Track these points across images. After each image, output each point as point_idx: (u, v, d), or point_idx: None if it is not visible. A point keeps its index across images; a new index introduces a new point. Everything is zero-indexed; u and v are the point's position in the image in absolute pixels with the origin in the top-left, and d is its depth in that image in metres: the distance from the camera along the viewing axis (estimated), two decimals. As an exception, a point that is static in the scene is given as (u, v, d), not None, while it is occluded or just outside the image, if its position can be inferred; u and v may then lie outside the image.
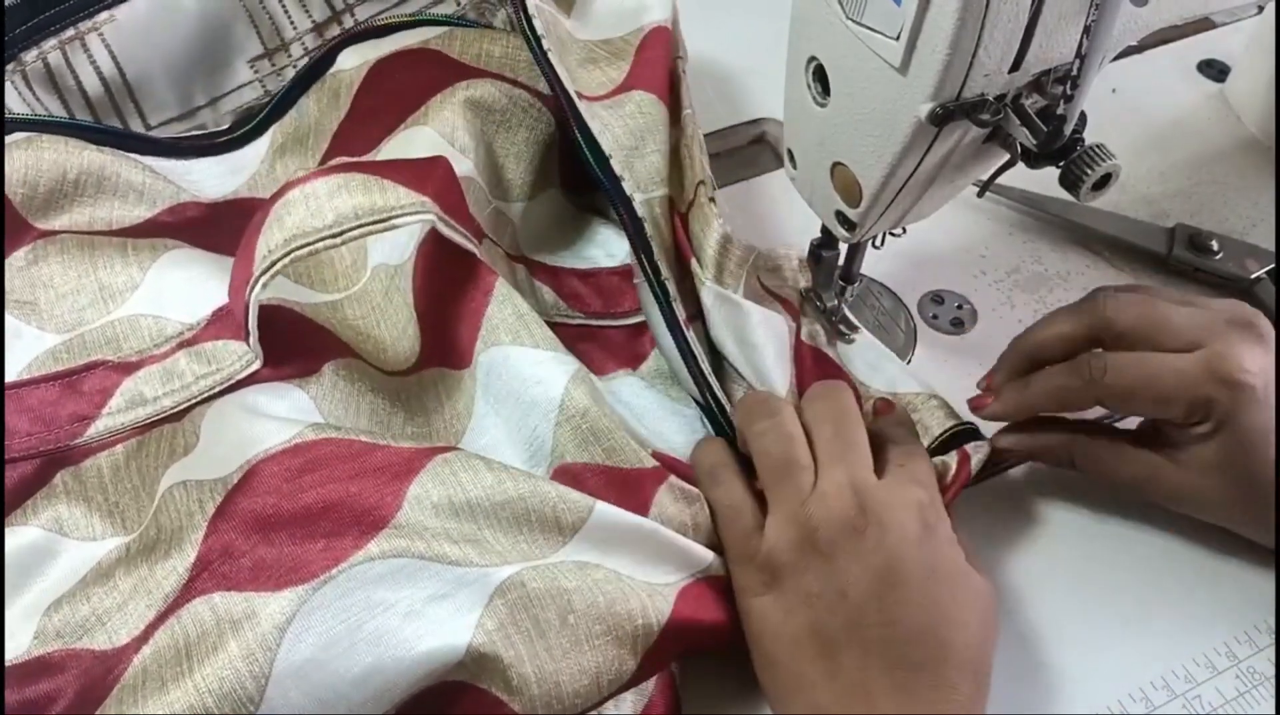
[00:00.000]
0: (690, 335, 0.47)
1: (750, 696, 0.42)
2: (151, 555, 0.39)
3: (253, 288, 0.41)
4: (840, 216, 0.45)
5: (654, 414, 0.49)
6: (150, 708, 0.33)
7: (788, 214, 0.55)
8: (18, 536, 0.41)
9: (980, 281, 0.57)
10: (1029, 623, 0.45)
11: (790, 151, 0.47)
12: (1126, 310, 0.44)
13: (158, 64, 0.55)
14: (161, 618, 0.36)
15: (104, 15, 0.54)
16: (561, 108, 0.51)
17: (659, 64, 0.54)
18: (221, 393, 0.43)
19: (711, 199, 0.51)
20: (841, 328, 0.52)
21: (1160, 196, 0.62)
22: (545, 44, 0.50)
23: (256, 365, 0.43)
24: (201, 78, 0.57)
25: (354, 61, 0.55)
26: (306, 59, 0.57)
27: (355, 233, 0.41)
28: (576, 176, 0.56)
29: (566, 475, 0.42)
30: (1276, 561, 0.45)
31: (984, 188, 0.45)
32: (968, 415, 0.48)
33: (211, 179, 0.55)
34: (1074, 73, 0.36)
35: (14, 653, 0.38)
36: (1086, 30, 0.35)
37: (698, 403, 0.48)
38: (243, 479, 0.38)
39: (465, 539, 0.37)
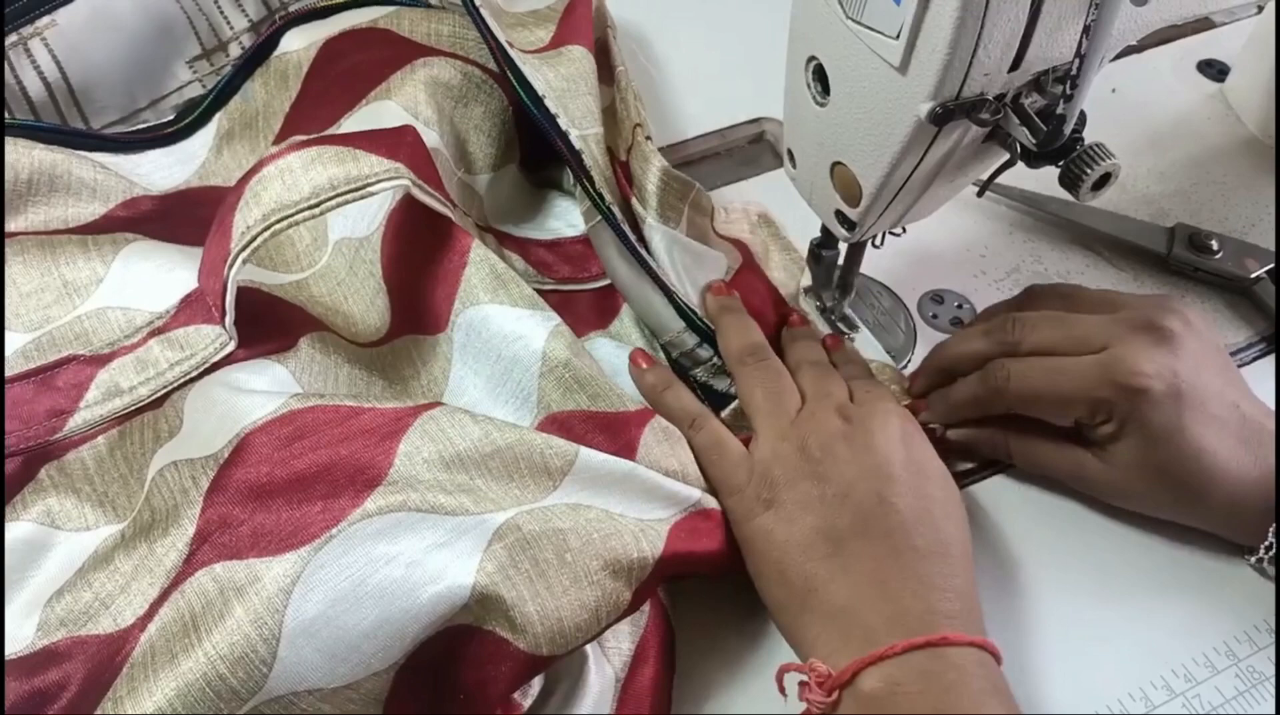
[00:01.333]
0: (644, 252, 0.49)
1: (740, 621, 0.43)
2: (150, 535, 0.40)
3: (231, 264, 0.42)
4: (840, 216, 0.45)
5: (629, 371, 0.51)
6: (163, 681, 0.34)
7: (788, 214, 0.55)
8: (10, 531, 0.41)
9: (980, 281, 0.57)
10: (1029, 622, 0.45)
11: (790, 151, 0.47)
12: (1031, 334, 0.46)
13: (99, 67, 0.56)
14: (165, 594, 0.36)
15: (45, 20, 0.55)
16: (509, 82, 0.53)
17: (584, 24, 0.57)
18: (198, 377, 0.44)
19: (648, 138, 0.54)
20: (841, 327, 0.52)
21: (1160, 196, 0.62)
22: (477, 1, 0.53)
23: (231, 347, 0.44)
24: (142, 80, 0.57)
25: (301, 43, 0.56)
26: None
27: (332, 203, 0.42)
28: (532, 156, 0.58)
29: (554, 424, 0.43)
30: (1276, 561, 0.45)
31: (984, 187, 0.45)
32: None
33: (161, 171, 0.56)
34: (1074, 72, 0.36)
35: (18, 646, 0.38)
36: (1086, 30, 0.35)
37: (663, 348, 0.50)
38: (234, 452, 0.39)
39: (459, 489, 0.38)
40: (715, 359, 0.49)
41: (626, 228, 0.50)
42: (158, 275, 0.47)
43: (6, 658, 0.38)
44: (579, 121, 0.52)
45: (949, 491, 0.42)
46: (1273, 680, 0.43)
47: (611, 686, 0.40)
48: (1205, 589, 0.46)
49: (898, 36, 0.36)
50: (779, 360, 0.47)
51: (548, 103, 0.51)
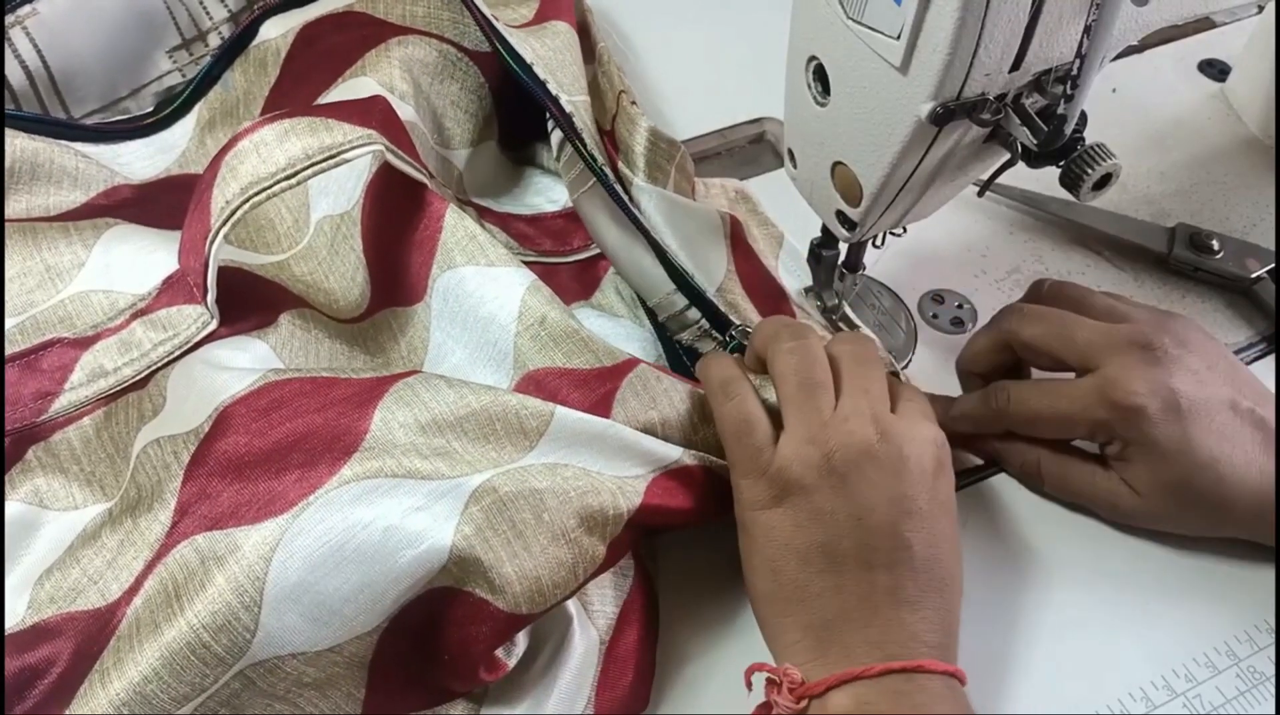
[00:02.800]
0: (636, 212, 0.50)
1: (720, 586, 0.44)
2: (135, 511, 0.40)
3: (213, 239, 0.42)
4: (840, 216, 0.45)
5: (611, 338, 0.50)
6: (147, 650, 0.34)
7: (788, 213, 0.55)
8: None
9: (981, 281, 0.57)
10: (1030, 622, 0.45)
11: (790, 151, 0.47)
12: (1032, 326, 0.46)
13: (80, 56, 0.56)
14: (149, 567, 0.37)
15: (27, 8, 0.55)
16: (487, 59, 0.54)
17: (565, 1, 0.58)
18: (182, 356, 0.44)
19: (633, 103, 0.54)
20: (841, 326, 0.52)
21: (1161, 196, 0.62)
22: None
23: (213, 325, 0.44)
24: (123, 69, 0.58)
25: (279, 30, 0.57)
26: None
27: (308, 172, 0.43)
28: (511, 134, 0.58)
29: (531, 382, 0.44)
30: (1277, 561, 0.45)
31: (984, 187, 0.45)
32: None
33: (141, 160, 0.56)
34: (1074, 72, 0.36)
35: (10, 624, 0.39)
36: (1087, 30, 0.35)
37: (651, 313, 0.51)
38: (213, 426, 0.39)
39: (435, 453, 0.38)
40: (703, 322, 0.49)
41: (620, 188, 0.50)
42: (139, 258, 0.47)
43: None
44: (568, 88, 0.52)
45: (955, 530, 0.41)
46: (1273, 680, 0.43)
47: (596, 648, 0.41)
48: (1205, 589, 0.46)
49: (898, 36, 0.36)
50: (817, 340, 0.43)
51: (537, 69, 0.51)
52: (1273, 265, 0.56)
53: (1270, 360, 0.54)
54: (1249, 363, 0.54)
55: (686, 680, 0.43)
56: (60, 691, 0.36)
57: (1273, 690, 0.43)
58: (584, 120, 0.52)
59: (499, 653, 0.39)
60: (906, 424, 0.41)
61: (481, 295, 0.45)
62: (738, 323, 0.48)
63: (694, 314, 0.49)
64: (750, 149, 0.65)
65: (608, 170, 0.50)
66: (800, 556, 0.39)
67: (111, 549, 0.40)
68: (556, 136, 0.52)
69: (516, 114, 0.55)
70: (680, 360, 0.50)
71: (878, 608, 0.38)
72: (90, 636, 0.37)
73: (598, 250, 0.54)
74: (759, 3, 0.70)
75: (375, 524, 0.36)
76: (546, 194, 0.58)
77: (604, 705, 0.41)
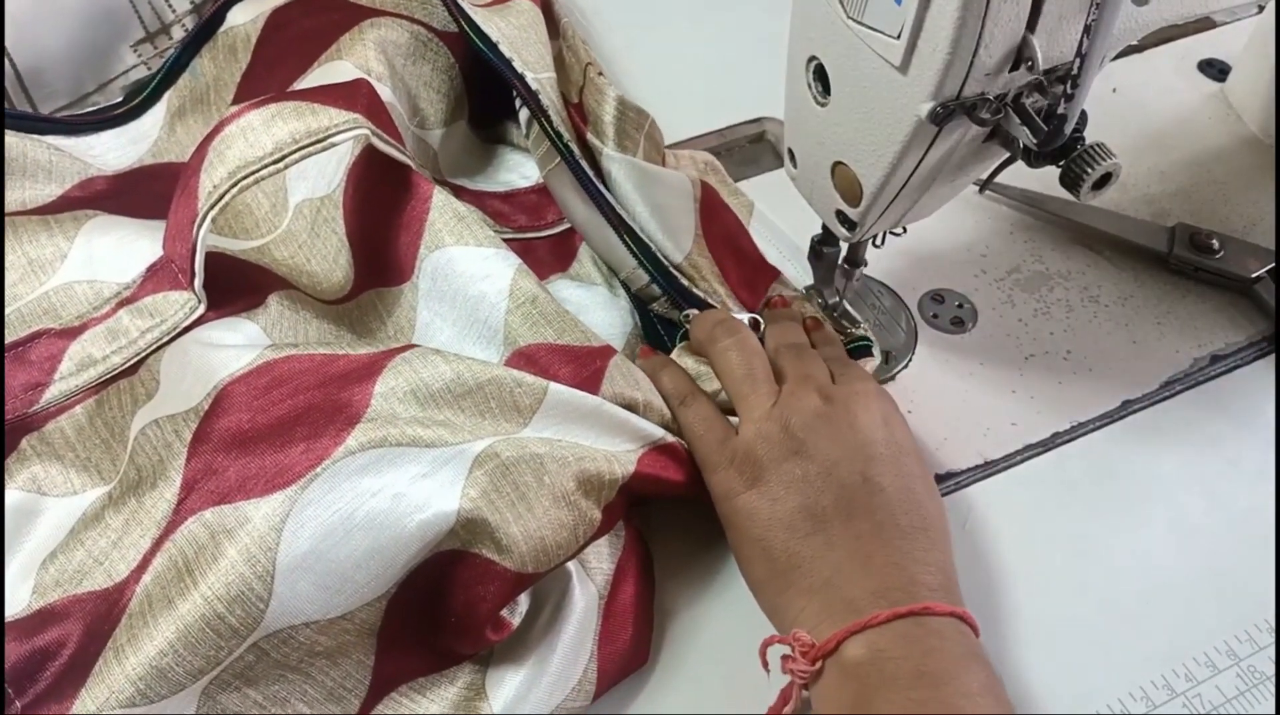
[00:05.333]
0: (601, 187, 0.50)
1: (711, 540, 0.45)
2: (138, 491, 0.40)
3: (200, 224, 0.43)
4: (841, 216, 0.45)
5: (591, 308, 0.53)
6: (162, 625, 0.34)
7: (788, 213, 0.55)
8: None
9: (981, 280, 0.57)
10: (1030, 622, 0.45)
11: (791, 150, 0.47)
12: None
13: (47, 52, 0.57)
14: (157, 544, 0.37)
15: None
16: (455, 39, 0.55)
17: None
18: (170, 341, 0.44)
19: (600, 74, 0.55)
20: (843, 323, 0.52)
21: (1161, 195, 0.62)
22: None
23: (201, 309, 0.45)
24: (88, 64, 0.58)
25: (247, 15, 0.57)
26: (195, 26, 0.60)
27: (295, 156, 0.43)
28: (482, 111, 0.59)
29: (521, 358, 0.44)
30: (1276, 561, 0.45)
31: (985, 184, 0.45)
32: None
33: (114, 152, 0.57)
34: (1074, 72, 0.36)
35: (15, 610, 0.39)
36: (1087, 29, 0.35)
37: (624, 286, 0.52)
38: (213, 404, 0.40)
39: (436, 423, 0.39)
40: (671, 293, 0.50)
41: (585, 164, 0.51)
42: (121, 247, 0.47)
43: (5, 621, 0.39)
44: (533, 65, 0.53)
45: (922, 468, 0.42)
46: (1273, 680, 0.43)
47: (596, 604, 0.42)
48: (1205, 589, 0.46)
49: (899, 36, 0.36)
50: (754, 338, 0.47)
51: (502, 48, 0.52)
52: (1273, 265, 0.56)
53: (1270, 360, 0.54)
54: (1249, 363, 0.54)
55: (684, 631, 0.44)
56: (73, 672, 0.36)
57: (1273, 690, 0.43)
58: (550, 97, 0.52)
59: (504, 612, 0.39)
60: (847, 386, 0.44)
61: (471, 274, 0.45)
62: (699, 294, 0.50)
63: (659, 289, 0.50)
64: (750, 149, 0.65)
65: (574, 146, 0.51)
66: (785, 526, 0.40)
67: (116, 529, 0.40)
68: (525, 114, 0.53)
69: (486, 93, 0.56)
70: (655, 329, 0.51)
71: (870, 556, 0.39)
72: (99, 616, 0.37)
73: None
74: (759, 2, 0.70)
75: (384, 491, 0.36)
76: (519, 170, 0.59)
77: (606, 660, 0.42)
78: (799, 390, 0.43)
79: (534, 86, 0.52)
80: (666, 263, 0.50)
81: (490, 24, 0.53)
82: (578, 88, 0.56)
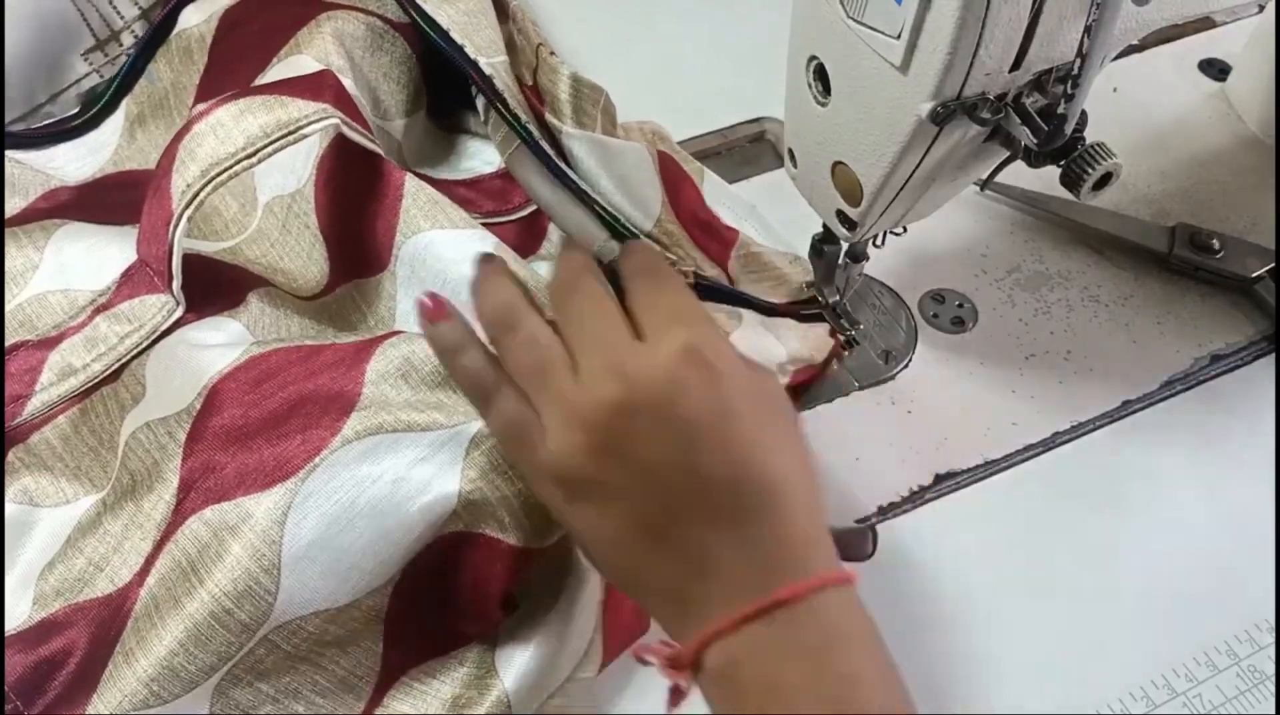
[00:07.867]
0: (563, 166, 0.50)
1: None
2: (134, 494, 0.40)
3: (175, 225, 0.42)
4: (841, 216, 0.45)
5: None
6: (170, 626, 0.34)
7: (788, 213, 0.55)
8: None
9: (981, 280, 0.57)
10: (1030, 622, 0.45)
11: (791, 150, 0.47)
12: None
13: None
14: (159, 546, 0.37)
15: None
16: (410, 30, 0.55)
17: None
18: (150, 345, 0.44)
19: (552, 53, 0.55)
20: (843, 322, 0.52)
21: (1161, 195, 0.62)
22: None
23: (179, 312, 0.44)
24: (39, 74, 0.58)
25: (199, 16, 0.57)
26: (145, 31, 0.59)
27: (268, 149, 0.43)
28: (441, 101, 0.59)
29: None
30: (1276, 561, 0.45)
31: (985, 183, 0.46)
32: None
33: (73, 163, 0.56)
34: (1075, 72, 0.36)
35: (16, 623, 0.39)
36: (1087, 29, 0.35)
37: (597, 260, 0.51)
38: (204, 403, 0.39)
39: (429, 406, 0.39)
40: None
41: (545, 144, 0.51)
42: (92, 254, 0.47)
43: (7, 634, 0.39)
44: (485, 50, 0.53)
45: (766, 416, 0.35)
46: (1273, 680, 0.43)
47: (599, 585, 0.42)
48: (1205, 589, 0.46)
49: (899, 36, 0.36)
50: (534, 320, 0.38)
51: (453, 34, 0.51)
52: (1273, 265, 0.56)
53: (1270, 360, 0.54)
54: (1249, 363, 0.54)
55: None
56: (82, 679, 0.36)
57: (1273, 690, 0.43)
58: (505, 81, 0.52)
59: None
60: (650, 353, 0.35)
61: (451, 257, 0.45)
62: (672, 259, 0.50)
63: None
64: (750, 149, 0.65)
65: (532, 128, 0.51)
66: (618, 544, 0.36)
67: (116, 535, 0.40)
68: (481, 100, 0.53)
69: (443, 83, 0.56)
70: None
71: (710, 555, 0.34)
72: (105, 622, 0.37)
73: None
74: (759, 2, 0.70)
75: (384, 477, 0.36)
76: (481, 157, 0.59)
77: (612, 628, 0.42)
78: (591, 378, 0.35)
79: (488, 72, 0.51)
80: (637, 232, 0.50)
81: (440, 11, 0.53)
82: (531, 69, 0.56)
